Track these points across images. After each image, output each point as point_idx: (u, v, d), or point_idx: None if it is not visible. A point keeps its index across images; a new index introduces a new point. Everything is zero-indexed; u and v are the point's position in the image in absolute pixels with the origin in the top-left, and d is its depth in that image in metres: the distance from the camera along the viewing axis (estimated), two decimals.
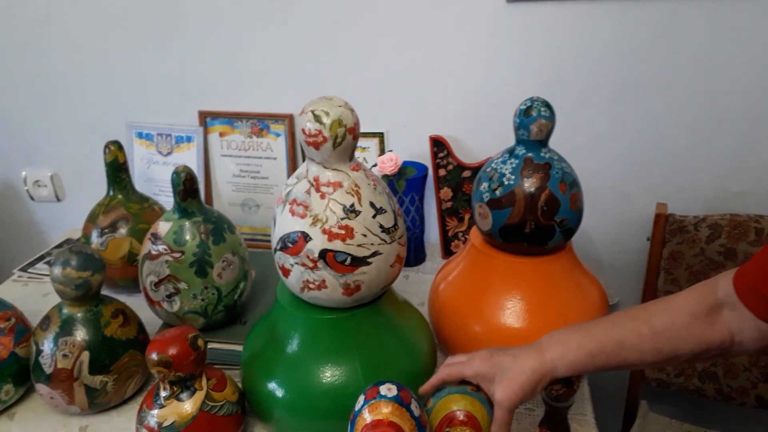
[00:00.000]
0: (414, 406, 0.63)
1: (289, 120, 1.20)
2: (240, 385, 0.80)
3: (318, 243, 0.67)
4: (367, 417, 0.62)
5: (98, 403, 0.81)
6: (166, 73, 1.26)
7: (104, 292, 0.87)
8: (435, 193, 1.19)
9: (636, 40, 1.07)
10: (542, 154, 0.80)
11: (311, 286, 0.70)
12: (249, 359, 0.80)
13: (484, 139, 1.19)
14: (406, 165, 1.15)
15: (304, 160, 0.72)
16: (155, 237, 0.87)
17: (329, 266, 0.68)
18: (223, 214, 0.93)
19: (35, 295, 1.13)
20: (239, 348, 0.89)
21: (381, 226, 0.70)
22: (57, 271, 0.77)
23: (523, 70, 1.13)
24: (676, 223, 1.12)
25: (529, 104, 0.79)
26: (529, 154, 0.80)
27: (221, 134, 1.24)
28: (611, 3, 1.05)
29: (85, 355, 0.78)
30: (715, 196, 1.17)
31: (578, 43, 1.09)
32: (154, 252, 0.86)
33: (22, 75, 1.31)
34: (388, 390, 0.63)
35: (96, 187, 1.12)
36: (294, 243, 0.68)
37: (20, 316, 0.87)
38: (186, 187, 0.85)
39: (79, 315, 0.80)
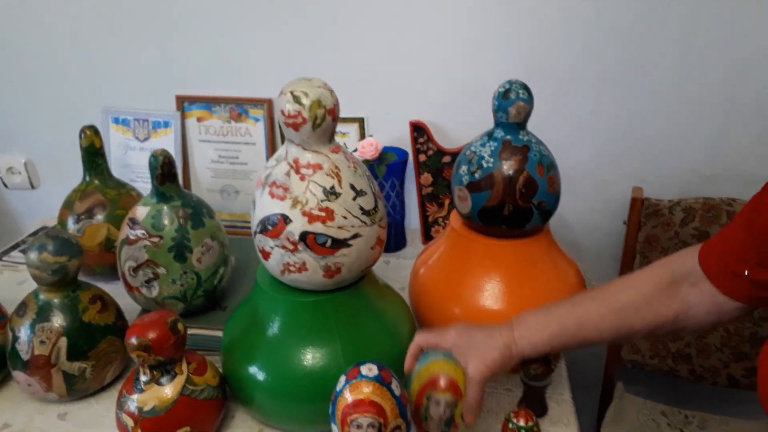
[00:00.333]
0: (394, 386, 0.64)
1: (267, 105, 1.19)
2: (221, 369, 0.79)
3: (298, 225, 0.67)
4: (348, 397, 0.63)
5: (77, 389, 0.80)
6: (142, 57, 1.24)
7: (83, 280, 0.87)
8: (415, 178, 1.19)
9: (614, 27, 1.08)
10: (520, 137, 0.80)
11: (291, 268, 0.70)
12: (229, 343, 0.79)
13: (465, 124, 1.20)
14: (387, 150, 1.15)
15: (283, 143, 0.71)
16: (133, 221, 0.86)
17: (310, 248, 0.68)
18: (202, 199, 0.92)
19: (10, 283, 1.11)
20: (220, 333, 0.89)
21: (361, 209, 0.70)
22: (33, 256, 0.76)
23: (504, 56, 1.13)
24: (651, 207, 1.14)
25: (507, 87, 0.79)
26: (508, 137, 0.80)
27: (199, 119, 1.22)
28: None
29: (63, 342, 0.78)
30: (689, 180, 1.19)
31: (558, 29, 1.10)
32: (132, 237, 0.85)
33: None
34: (369, 370, 0.64)
35: (71, 174, 1.11)
36: (274, 225, 0.68)
37: None
38: (164, 170, 0.85)
39: (56, 301, 0.79)
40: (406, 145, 1.19)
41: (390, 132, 1.21)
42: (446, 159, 1.16)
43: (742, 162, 1.16)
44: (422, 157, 1.18)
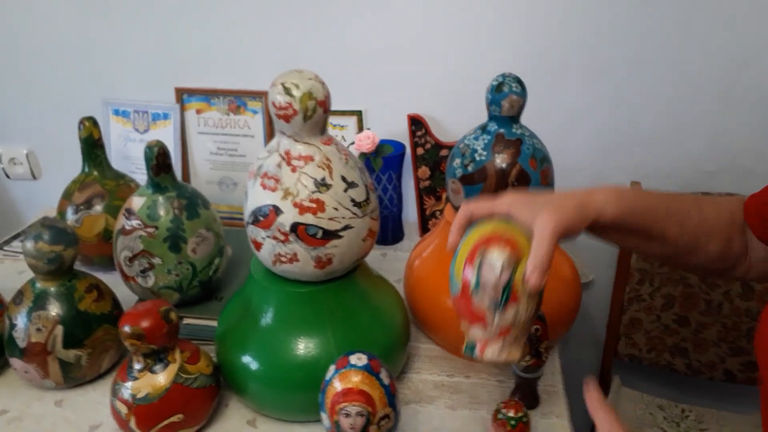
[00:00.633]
0: (384, 375, 0.65)
1: (266, 97, 1.20)
2: (215, 358, 0.80)
3: (289, 216, 0.68)
4: (338, 386, 0.63)
5: (73, 377, 0.81)
6: (142, 49, 1.24)
7: (80, 269, 0.88)
8: (413, 171, 1.20)
9: (610, 18, 1.07)
10: (514, 130, 0.80)
11: (283, 259, 0.71)
12: (223, 333, 0.80)
13: (462, 117, 1.19)
14: (384, 143, 1.15)
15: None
16: (129, 212, 0.87)
17: (300, 239, 0.69)
18: (197, 190, 0.93)
19: (11, 273, 1.12)
20: (215, 323, 0.89)
21: (353, 200, 0.70)
22: (29, 245, 0.77)
23: (502, 48, 1.13)
24: None
25: (500, 80, 0.79)
26: (501, 130, 0.80)
27: (198, 111, 1.23)
28: None
29: (59, 330, 0.79)
30: (688, 176, 1.18)
31: (556, 21, 1.09)
32: (127, 227, 0.86)
33: None
34: (358, 359, 0.64)
35: (73, 165, 1.11)
36: (265, 216, 0.69)
37: None
38: (159, 161, 0.85)
39: (52, 289, 0.80)
40: (405, 138, 1.19)
41: (388, 125, 1.21)
42: (444, 152, 1.17)
43: (741, 157, 1.15)
44: (420, 151, 1.18)
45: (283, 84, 0.66)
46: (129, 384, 0.71)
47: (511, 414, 0.70)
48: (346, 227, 0.70)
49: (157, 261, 0.86)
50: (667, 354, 1.22)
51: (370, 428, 0.63)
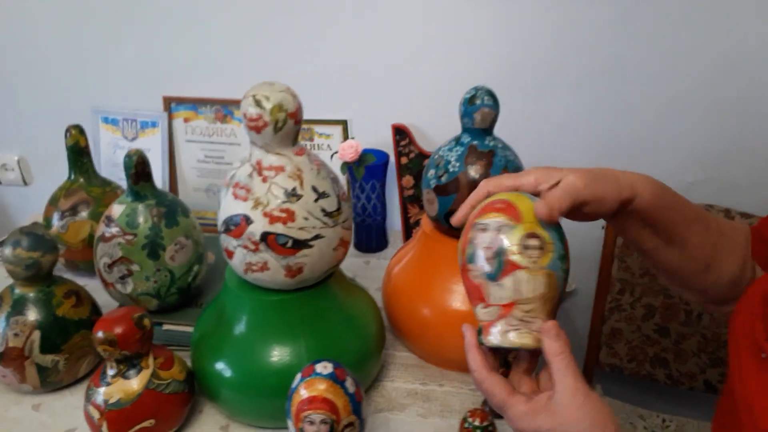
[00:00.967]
0: (349, 383, 0.66)
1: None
2: (190, 365, 0.81)
3: (259, 226, 0.69)
4: (303, 393, 0.64)
5: (50, 381, 0.82)
6: (131, 59, 1.26)
7: (66, 275, 0.89)
8: (397, 180, 1.21)
9: (592, 29, 1.09)
10: (486, 142, 0.82)
11: (254, 268, 0.72)
12: (198, 340, 0.81)
13: (447, 127, 1.20)
14: (367, 152, 1.16)
15: None
16: (109, 219, 0.88)
17: (271, 249, 0.70)
18: (178, 198, 0.94)
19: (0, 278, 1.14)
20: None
21: (323, 210, 0.72)
22: (7, 251, 0.78)
23: (485, 59, 1.15)
24: None
25: (473, 93, 0.81)
26: (474, 142, 0.82)
27: (186, 120, 1.24)
28: None
29: (36, 335, 0.80)
30: (670, 186, 1.19)
31: (539, 30, 1.11)
32: (107, 234, 0.87)
33: None
34: (324, 368, 0.65)
35: (63, 172, 1.13)
36: (236, 226, 0.70)
37: None
38: (138, 170, 0.87)
39: (30, 295, 0.81)
40: (389, 147, 1.21)
41: (374, 134, 1.23)
42: (427, 162, 1.18)
43: (723, 169, 1.16)
44: (404, 160, 1.19)
45: (254, 96, 0.67)
46: (102, 389, 0.72)
47: (477, 423, 0.70)
48: (317, 237, 0.71)
49: (135, 268, 0.87)
50: (647, 364, 1.23)
51: None
